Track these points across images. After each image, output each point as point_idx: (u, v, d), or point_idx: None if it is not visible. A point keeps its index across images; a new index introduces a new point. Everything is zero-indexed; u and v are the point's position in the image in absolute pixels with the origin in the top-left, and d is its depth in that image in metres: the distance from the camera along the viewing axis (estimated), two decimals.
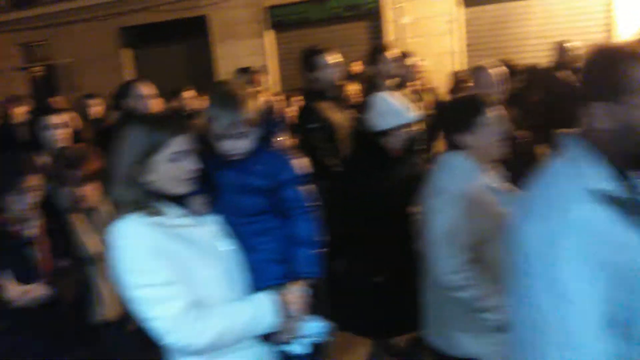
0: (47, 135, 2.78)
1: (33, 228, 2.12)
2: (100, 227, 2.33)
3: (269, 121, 1.68)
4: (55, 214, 2.22)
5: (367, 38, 8.56)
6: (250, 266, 1.60)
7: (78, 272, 2.24)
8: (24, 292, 2.04)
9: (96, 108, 4.99)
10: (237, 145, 1.56)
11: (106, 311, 2.34)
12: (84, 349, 2.27)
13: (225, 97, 1.56)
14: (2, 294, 2.00)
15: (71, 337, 2.22)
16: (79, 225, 2.30)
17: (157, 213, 1.44)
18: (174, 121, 1.50)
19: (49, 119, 2.78)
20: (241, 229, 1.61)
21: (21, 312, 2.04)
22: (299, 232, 1.63)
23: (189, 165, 1.47)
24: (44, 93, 9.49)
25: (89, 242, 2.29)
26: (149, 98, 3.26)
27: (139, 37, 10.07)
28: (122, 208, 1.45)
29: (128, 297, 1.40)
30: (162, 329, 1.37)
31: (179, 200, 1.51)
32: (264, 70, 9.02)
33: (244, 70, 9.08)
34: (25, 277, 2.06)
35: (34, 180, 2.06)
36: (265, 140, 1.64)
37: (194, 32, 9.49)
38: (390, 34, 8.26)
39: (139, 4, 9.58)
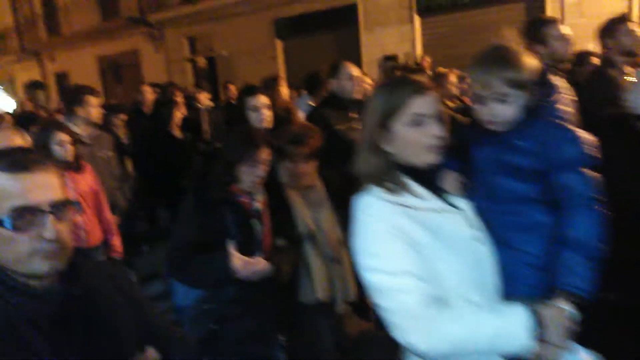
0: (255, 116, 2.87)
1: (258, 202, 2.14)
2: (315, 205, 2.33)
3: (543, 86, 1.38)
4: (274, 190, 2.21)
5: (524, 21, 7.97)
6: (501, 267, 1.33)
7: (295, 251, 2.21)
8: (248, 264, 2.01)
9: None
10: (497, 112, 1.31)
11: (316, 292, 2.27)
12: (292, 330, 2.25)
13: (486, 52, 1.36)
14: (230, 263, 1.98)
15: (281, 316, 2.20)
16: (296, 202, 2.28)
17: (400, 190, 1.30)
18: (416, 81, 1.32)
19: (257, 100, 2.87)
20: (494, 219, 1.33)
21: (240, 285, 2.02)
22: (573, 232, 1.26)
23: (433, 130, 1.27)
24: (208, 82, 10.33)
25: (304, 219, 2.26)
26: (358, 79, 3.28)
27: (291, 28, 10.38)
28: (364, 180, 1.34)
29: (363, 277, 1.29)
30: (391, 321, 1.22)
31: (426, 177, 1.34)
32: (409, 56, 8.85)
33: (390, 58, 8.95)
34: (247, 250, 2.04)
35: (265, 154, 2.07)
36: (537, 110, 1.33)
37: (343, 21, 9.58)
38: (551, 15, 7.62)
39: None
